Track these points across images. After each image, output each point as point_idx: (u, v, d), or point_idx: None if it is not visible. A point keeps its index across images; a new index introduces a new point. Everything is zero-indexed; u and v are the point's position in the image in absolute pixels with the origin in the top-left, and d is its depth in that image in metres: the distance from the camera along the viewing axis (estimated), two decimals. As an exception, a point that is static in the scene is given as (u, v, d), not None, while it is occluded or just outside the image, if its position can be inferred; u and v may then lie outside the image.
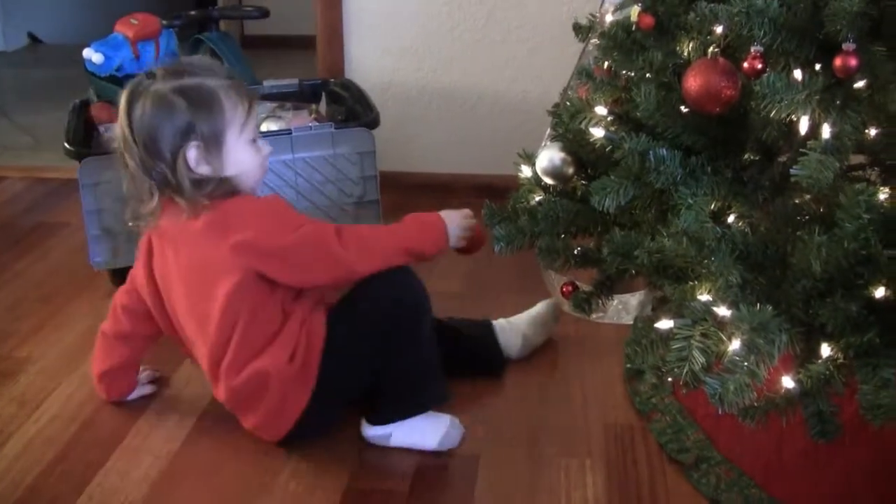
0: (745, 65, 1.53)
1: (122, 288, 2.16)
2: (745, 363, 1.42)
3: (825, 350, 1.52)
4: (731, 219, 1.69)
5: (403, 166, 3.42)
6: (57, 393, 2.24)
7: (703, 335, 1.47)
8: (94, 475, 1.95)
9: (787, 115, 1.49)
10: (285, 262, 1.91)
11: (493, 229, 1.98)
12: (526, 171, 2.07)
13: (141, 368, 2.24)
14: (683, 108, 1.68)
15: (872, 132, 1.56)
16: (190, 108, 1.85)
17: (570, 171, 1.94)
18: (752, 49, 1.53)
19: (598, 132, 1.79)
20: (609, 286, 1.98)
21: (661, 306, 1.81)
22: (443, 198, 3.24)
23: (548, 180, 1.97)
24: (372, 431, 2.04)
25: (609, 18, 2.00)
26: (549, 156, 1.95)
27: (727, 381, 1.42)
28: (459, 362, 2.21)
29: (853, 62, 1.43)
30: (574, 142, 1.89)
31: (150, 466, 1.98)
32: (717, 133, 1.69)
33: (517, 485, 1.94)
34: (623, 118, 1.80)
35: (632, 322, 2.42)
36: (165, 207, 1.92)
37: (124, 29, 3.24)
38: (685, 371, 1.44)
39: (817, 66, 1.52)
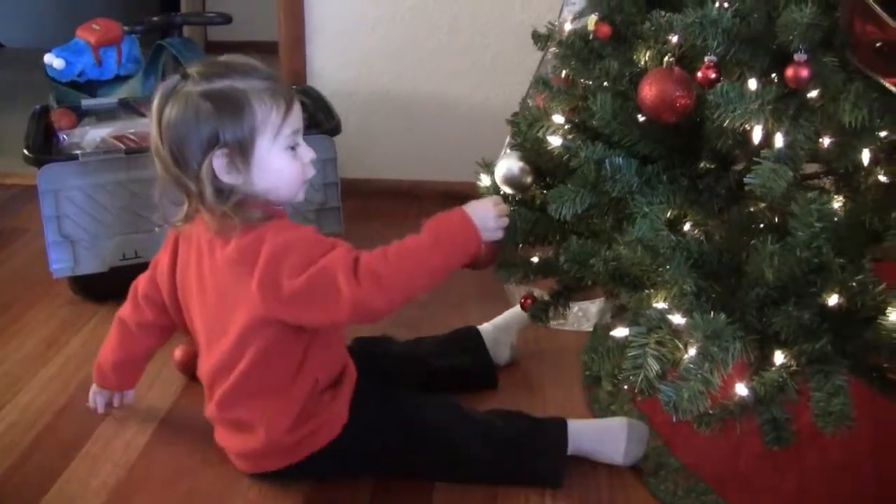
0: (699, 74, 1.55)
1: (144, 275, 2.10)
2: (700, 371, 1.43)
3: (778, 357, 1.53)
4: (686, 227, 1.70)
5: (365, 173, 3.42)
6: (16, 400, 2.22)
7: (659, 343, 1.48)
8: (52, 483, 1.93)
9: (741, 125, 1.50)
10: (299, 306, 1.74)
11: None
12: (485, 180, 2.07)
13: None
14: (640, 117, 1.69)
15: (826, 141, 1.58)
16: (216, 114, 1.72)
17: (529, 179, 1.94)
18: (706, 59, 1.54)
19: (555, 141, 1.80)
20: (566, 295, 1.99)
21: (620, 314, 1.82)
22: (405, 205, 3.26)
23: (506, 189, 1.97)
24: None
25: (568, 27, 2.01)
26: (508, 165, 1.95)
27: (681, 389, 1.43)
28: (454, 381, 2.22)
29: (804, 73, 1.44)
30: (532, 150, 1.89)
31: (108, 474, 1.97)
32: (674, 142, 1.70)
33: (477, 490, 1.94)
34: (580, 127, 1.81)
35: (591, 329, 2.44)
36: (198, 217, 1.83)
37: (86, 35, 3.24)
38: (640, 378, 1.45)
39: (774, 76, 1.54)
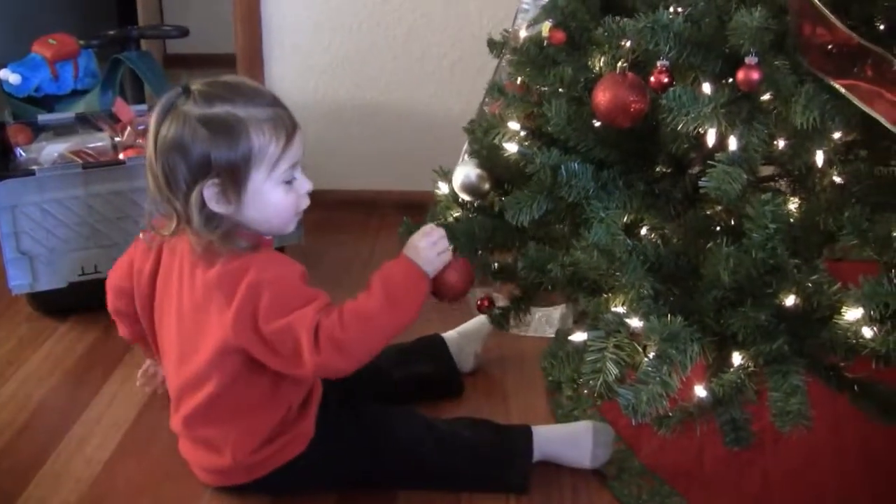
0: (652, 79, 1.56)
1: (116, 270, 2.03)
2: (658, 373, 1.43)
3: (736, 358, 1.55)
4: (643, 231, 1.71)
5: (325, 184, 3.38)
6: (-26, 420, 2.20)
7: (617, 347, 1.48)
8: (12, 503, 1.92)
9: (695, 128, 1.51)
10: (267, 350, 1.72)
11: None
12: (443, 188, 2.07)
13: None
14: (595, 123, 1.70)
15: (780, 144, 1.59)
16: (211, 142, 1.66)
17: (487, 186, 1.95)
18: (659, 63, 1.55)
19: (511, 147, 1.80)
20: (526, 301, 1.99)
21: (582, 319, 1.82)
22: (366, 215, 3.25)
23: (465, 196, 1.98)
24: None
25: (523, 34, 2.02)
26: (465, 172, 1.95)
27: (640, 392, 1.43)
28: (419, 391, 2.22)
29: (755, 75, 1.45)
30: (489, 158, 1.90)
31: (70, 492, 1.95)
32: (629, 146, 1.71)
33: (440, 498, 1.94)
34: (536, 133, 1.82)
35: (554, 335, 2.44)
36: (184, 233, 1.77)
37: (42, 50, 3.22)
38: (599, 383, 1.46)
39: (730, 80, 1.55)
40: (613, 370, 1.46)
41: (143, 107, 2.92)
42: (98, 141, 2.68)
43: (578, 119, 1.70)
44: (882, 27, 1.52)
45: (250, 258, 1.73)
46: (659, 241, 1.64)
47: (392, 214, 3.31)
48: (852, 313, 1.42)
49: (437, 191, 2.10)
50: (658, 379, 1.43)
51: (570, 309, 2.24)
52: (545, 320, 2.55)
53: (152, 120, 1.72)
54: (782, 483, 1.93)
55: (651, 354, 1.46)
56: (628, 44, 1.62)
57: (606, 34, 1.66)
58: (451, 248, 1.84)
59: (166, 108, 1.70)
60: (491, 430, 2.00)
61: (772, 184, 1.79)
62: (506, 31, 2.15)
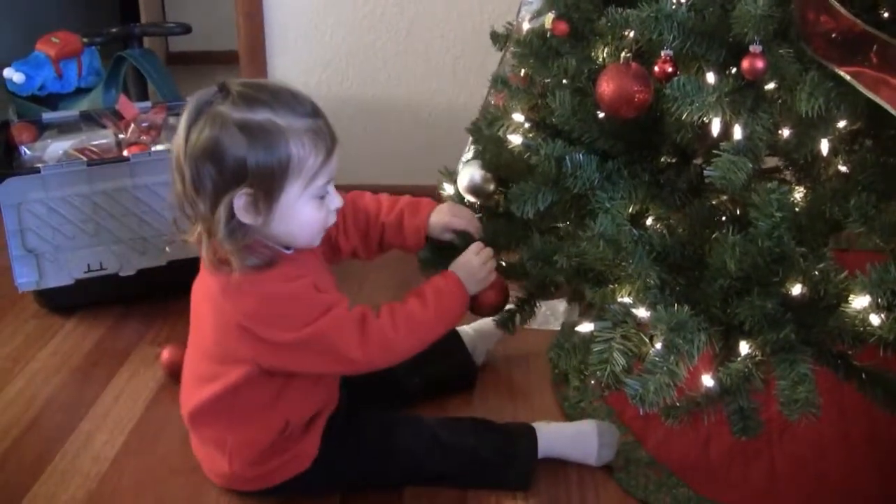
0: (656, 68, 1.55)
1: None
2: (665, 363, 1.43)
3: (744, 348, 1.54)
4: (649, 221, 1.71)
5: (329, 179, 3.41)
6: (-19, 418, 2.20)
7: (624, 337, 1.49)
8: (20, 500, 1.91)
9: (699, 118, 1.51)
10: (292, 356, 1.72)
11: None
12: (448, 189, 2.08)
13: None
14: (599, 114, 1.70)
15: (785, 133, 1.59)
16: (249, 148, 1.59)
17: (491, 187, 1.96)
18: (663, 53, 1.55)
19: (515, 139, 1.80)
20: (532, 302, 2.01)
21: (587, 311, 1.82)
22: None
23: (469, 197, 1.99)
24: None
25: (526, 26, 2.02)
26: (470, 173, 1.96)
27: (647, 382, 1.43)
28: (432, 390, 2.20)
29: (760, 64, 1.45)
30: (493, 157, 1.91)
31: (78, 488, 1.95)
32: (634, 137, 1.71)
33: (448, 493, 1.94)
34: (540, 125, 1.81)
35: (559, 328, 2.44)
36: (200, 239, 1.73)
37: (46, 48, 3.23)
38: (606, 373, 1.46)
39: (734, 69, 1.54)
40: (620, 360, 1.46)
41: (147, 104, 2.91)
42: (102, 138, 2.68)
43: (583, 110, 1.69)
44: (886, 14, 1.52)
45: (257, 276, 1.68)
46: (665, 231, 1.64)
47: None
48: (859, 301, 1.42)
49: (442, 192, 2.12)
50: (665, 369, 1.43)
51: (573, 305, 2.23)
52: (550, 313, 2.55)
53: (183, 117, 1.64)
54: (789, 473, 1.93)
55: (658, 344, 1.46)
56: (632, 34, 1.61)
57: (610, 24, 1.65)
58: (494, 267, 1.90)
59: (200, 106, 1.63)
60: (495, 433, 1.99)
61: (777, 174, 1.79)
62: (509, 23, 2.15)
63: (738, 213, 1.63)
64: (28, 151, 2.61)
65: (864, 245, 1.53)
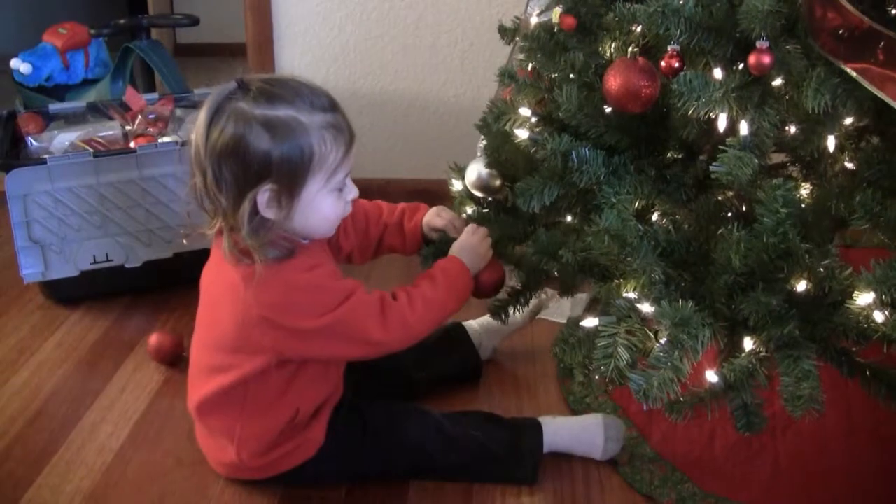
0: (663, 63, 1.55)
1: None
2: (669, 358, 1.43)
3: (748, 343, 1.54)
4: (654, 216, 1.71)
5: (337, 172, 3.41)
6: (-13, 408, 2.21)
7: (628, 332, 1.49)
8: (24, 492, 1.92)
9: (706, 113, 1.51)
10: (314, 342, 1.74)
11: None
12: (457, 185, 2.09)
13: None
14: (606, 108, 1.70)
15: (792, 129, 1.59)
16: (272, 145, 1.61)
17: (498, 182, 1.98)
18: (670, 48, 1.55)
19: (522, 133, 1.80)
20: (526, 294, 2.02)
21: (594, 305, 1.82)
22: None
23: (477, 193, 2.01)
24: None
25: (534, 20, 2.02)
26: (477, 169, 1.98)
27: (651, 377, 1.43)
28: (438, 385, 2.21)
29: (767, 59, 1.45)
30: (500, 154, 1.92)
31: (82, 479, 1.95)
32: (640, 132, 1.71)
33: (453, 487, 1.94)
34: (547, 119, 1.81)
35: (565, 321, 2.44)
36: (221, 231, 1.73)
37: (53, 39, 3.23)
38: (611, 368, 1.46)
39: (741, 65, 1.54)
40: (625, 355, 1.46)
41: (154, 95, 2.92)
42: (109, 130, 2.69)
43: (589, 105, 1.69)
44: (894, 11, 1.51)
45: (277, 266, 1.70)
46: (670, 227, 1.64)
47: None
48: (864, 298, 1.42)
49: (451, 187, 2.14)
50: (669, 364, 1.43)
51: (580, 296, 2.23)
52: (558, 306, 2.54)
53: (202, 114, 1.65)
54: (792, 468, 1.93)
55: (662, 340, 1.46)
56: (639, 29, 1.62)
57: (617, 19, 1.65)
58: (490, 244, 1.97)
59: (220, 102, 1.64)
60: (501, 427, 2.00)
61: (783, 171, 1.79)
62: (517, 17, 2.15)
63: (744, 209, 1.63)
64: (34, 142, 2.62)
65: (869, 242, 1.54)
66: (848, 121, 1.58)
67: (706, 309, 1.50)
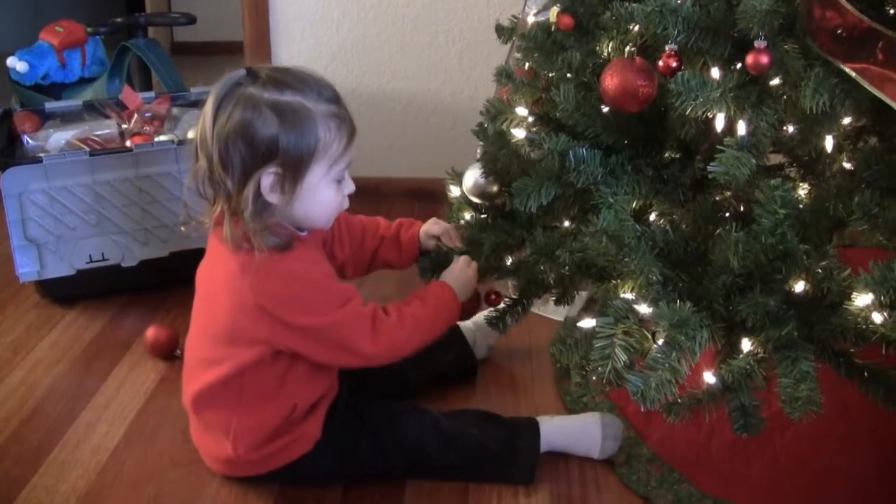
0: (660, 63, 1.55)
1: None
2: (667, 360, 1.43)
3: (746, 345, 1.54)
4: (652, 217, 1.71)
5: (334, 171, 3.40)
6: (-18, 407, 2.20)
7: (626, 333, 1.48)
8: (19, 492, 1.91)
9: (703, 113, 1.50)
10: (305, 341, 1.76)
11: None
12: (455, 191, 2.10)
13: None
14: (603, 108, 1.69)
15: (790, 129, 1.58)
16: (280, 128, 1.63)
17: (495, 188, 1.99)
18: (667, 47, 1.54)
19: (519, 133, 1.80)
20: (524, 304, 2.03)
21: (591, 305, 1.82)
22: (372, 203, 3.24)
23: (475, 199, 2.01)
24: None
25: (531, 20, 2.01)
26: (474, 176, 1.99)
27: (649, 378, 1.42)
28: (434, 383, 2.22)
29: (764, 59, 1.44)
30: (497, 159, 1.91)
31: (78, 479, 1.95)
32: (638, 132, 1.71)
33: (450, 487, 1.94)
34: (544, 119, 1.81)
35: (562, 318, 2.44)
36: (221, 219, 1.74)
37: (49, 37, 3.23)
38: (608, 369, 1.45)
39: (739, 65, 1.54)
40: (622, 356, 1.45)
41: (151, 94, 2.91)
42: (105, 128, 2.68)
43: (587, 104, 1.69)
44: (892, 11, 1.51)
45: (279, 255, 1.71)
46: (668, 227, 1.63)
47: (400, 201, 3.32)
48: (862, 299, 1.42)
49: (449, 193, 2.15)
50: (667, 365, 1.43)
51: (579, 296, 2.23)
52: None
53: (210, 100, 1.67)
54: (790, 469, 1.93)
55: (660, 341, 1.45)
56: (636, 28, 1.61)
57: (614, 18, 1.65)
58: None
59: (228, 88, 1.66)
60: (498, 426, 2.00)
61: (783, 172, 1.78)
62: (514, 16, 2.14)
63: (742, 209, 1.63)
64: (30, 141, 2.61)
65: (867, 242, 1.53)
66: (846, 121, 1.58)
67: (704, 310, 1.49)
